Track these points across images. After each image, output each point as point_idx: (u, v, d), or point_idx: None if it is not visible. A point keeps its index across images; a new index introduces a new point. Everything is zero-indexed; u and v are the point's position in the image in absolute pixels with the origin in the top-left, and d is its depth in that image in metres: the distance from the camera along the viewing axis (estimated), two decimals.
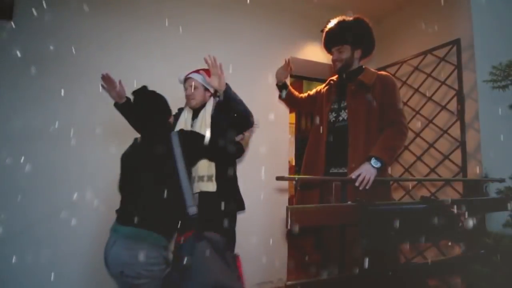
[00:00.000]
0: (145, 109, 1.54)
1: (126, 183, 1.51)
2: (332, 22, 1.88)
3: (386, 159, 1.59)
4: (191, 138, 1.57)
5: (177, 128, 1.82)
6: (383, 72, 1.90)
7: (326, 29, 1.90)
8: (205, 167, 1.74)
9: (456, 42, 2.47)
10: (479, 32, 2.43)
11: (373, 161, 1.58)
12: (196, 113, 1.88)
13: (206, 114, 1.83)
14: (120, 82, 1.75)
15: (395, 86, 1.82)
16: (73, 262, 2.04)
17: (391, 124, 1.72)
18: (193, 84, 1.86)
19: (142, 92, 1.56)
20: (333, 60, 1.91)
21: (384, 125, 1.75)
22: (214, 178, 1.73)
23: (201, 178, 1.73)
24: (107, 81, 1.71)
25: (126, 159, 1.55)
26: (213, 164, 1.75)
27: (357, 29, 1.81)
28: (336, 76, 2.00)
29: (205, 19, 2.55)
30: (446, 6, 2.58)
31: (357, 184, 1.55)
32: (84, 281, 2.07)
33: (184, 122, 1.87)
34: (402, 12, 3.09)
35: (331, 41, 1.89)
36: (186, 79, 1.90)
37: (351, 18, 1.82)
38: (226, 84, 1.64)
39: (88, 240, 2.06)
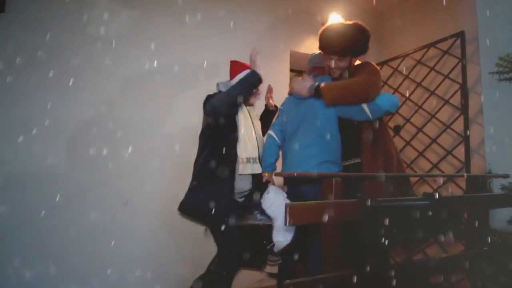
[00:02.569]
0: None
1: None
2: (333, 30, 1.75)
3: (326, 91, 1.67)
4: None
5: (243, 121, 1.91)
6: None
7: (326, 36, 1.75)
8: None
9: (460, 35, 2.42)
10: (484, 24, 2.37)
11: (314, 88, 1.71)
12: None
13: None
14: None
15: (371, 69, 1.79)
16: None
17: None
18: None
19: None
20: (330, 67, 1.81)
21: None
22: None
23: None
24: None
25: None
26: None
27: (360, 41, 1.73)
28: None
29: (203, 12, 2.50)
30: None
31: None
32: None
33: (243, 117, 1.93)
34: (405, 4, 3.02)
35: (331, 51, 1.76)
36: None
37: (350, 23, 1.72)
38: None
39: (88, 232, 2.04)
